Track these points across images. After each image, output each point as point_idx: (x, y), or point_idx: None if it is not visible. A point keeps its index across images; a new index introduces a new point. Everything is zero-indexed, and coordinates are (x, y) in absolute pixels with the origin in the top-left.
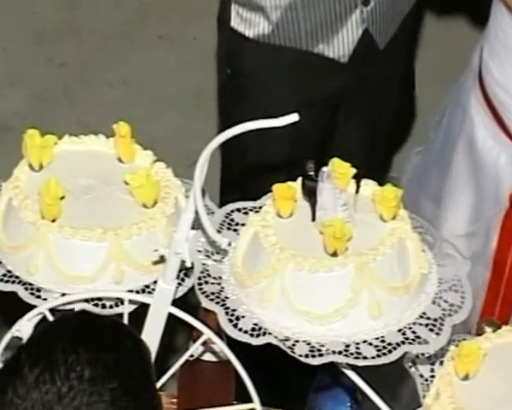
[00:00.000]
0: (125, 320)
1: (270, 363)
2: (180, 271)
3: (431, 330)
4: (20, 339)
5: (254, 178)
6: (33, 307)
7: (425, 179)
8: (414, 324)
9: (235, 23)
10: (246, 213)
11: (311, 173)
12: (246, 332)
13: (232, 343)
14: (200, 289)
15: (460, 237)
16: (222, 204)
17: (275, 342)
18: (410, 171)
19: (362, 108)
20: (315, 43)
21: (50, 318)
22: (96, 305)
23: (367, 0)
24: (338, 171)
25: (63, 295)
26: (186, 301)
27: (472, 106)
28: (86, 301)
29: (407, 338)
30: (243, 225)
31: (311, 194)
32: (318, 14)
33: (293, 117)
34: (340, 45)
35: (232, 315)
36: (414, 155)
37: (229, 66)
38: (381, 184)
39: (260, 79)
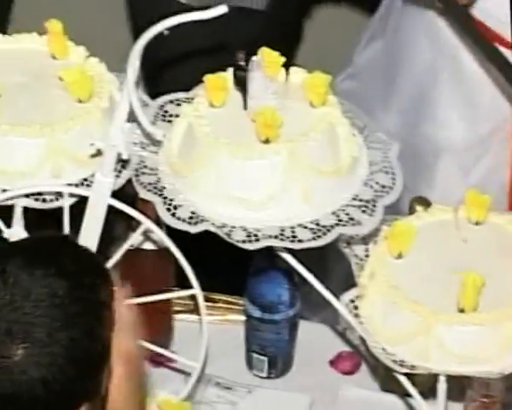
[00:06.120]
0: (66, 215)
1: (208, 251)
2: (118, 164)
3: (364, 211)
4: None
5: (182, 68)
6: None
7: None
8: (347, 206)
9: None
10: (179, 105)
11: (242, 63)
12: (184, 221)
13: (172, 233)
14: (138, 180)
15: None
16: (153, 97)
17: (212, 229)
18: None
19: None
20: None
21: None
22: (37, 200)
23: None
24: (267, 59)
25: (4, 191)
26: (125, 194)
27: None
28: (27, 196)
29: (341, 220)
30: (177, 116)
31: (242, 83)
32: None
33: (222, 9)
34: None
35: (170, 204)
36: (340, 82)
37: None
38: None
39: None
